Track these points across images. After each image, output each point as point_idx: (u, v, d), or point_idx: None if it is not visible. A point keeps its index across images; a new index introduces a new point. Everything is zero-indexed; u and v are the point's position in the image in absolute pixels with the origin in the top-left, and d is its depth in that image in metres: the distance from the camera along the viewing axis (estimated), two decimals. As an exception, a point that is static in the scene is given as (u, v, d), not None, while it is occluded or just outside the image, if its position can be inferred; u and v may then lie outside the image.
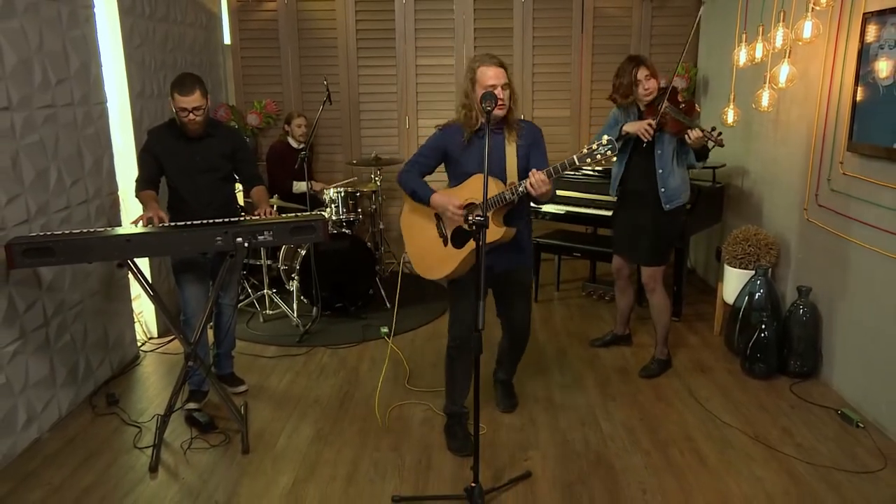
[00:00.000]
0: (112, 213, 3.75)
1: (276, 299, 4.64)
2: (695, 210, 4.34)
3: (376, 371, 3.79)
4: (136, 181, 3.18)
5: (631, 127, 3.37)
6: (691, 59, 5.51)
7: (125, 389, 3.59)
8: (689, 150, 3.38)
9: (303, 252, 4.44)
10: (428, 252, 2.92)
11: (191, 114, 3.00)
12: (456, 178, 2.89)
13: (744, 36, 3.88)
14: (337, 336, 4.31)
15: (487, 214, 2.38)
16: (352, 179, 5.20)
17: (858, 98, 3.16)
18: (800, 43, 3.40)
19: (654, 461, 2.88)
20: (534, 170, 2.65)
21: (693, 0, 5.47)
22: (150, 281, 3.69)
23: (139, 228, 2.86)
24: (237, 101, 5.73)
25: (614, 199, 3.76)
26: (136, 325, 4.09)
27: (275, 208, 3.37)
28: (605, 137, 2.55)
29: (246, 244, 2.79)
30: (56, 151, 3.23)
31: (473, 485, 2.52)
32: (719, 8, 5.03)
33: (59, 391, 3.24)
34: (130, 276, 2.99)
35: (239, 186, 3.57)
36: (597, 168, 4.89)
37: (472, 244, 2.68)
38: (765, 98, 3.65)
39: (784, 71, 3.46)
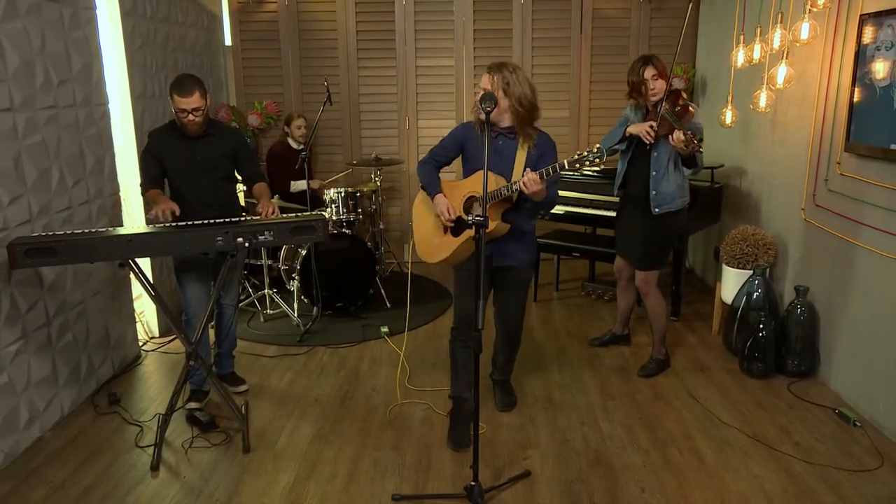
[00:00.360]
0: (114, 214, 3.77)
1: (277, 299, 4.66)
2: (693, 210, 4.35)
3: (376, 371, 3.81)
4: (141, 184, 3.21)
5: (634, 128, 3.39)
6: (690, 59, 5.54)
7: (127, 389, 3.61)
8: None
9: (303, 252, 4.46)
10: (429, 238, 3.11)
11: (190, 115, 3.02)
12: (466, 173, 3.05)
13: (742, 37, 3.90)
14: (337, 336, 4.32)
15: (487, 215, 2.46)
16: (347, 171, 5.24)
17: (855, 99, 3.18)
18: (797, 44, 3.42)
19: (652, 460, 2.90)
20: (528, 169, 2.76)
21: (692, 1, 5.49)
22: (152, 281, 3.71)
23: (140, 228, 2.88)
24: (238, 102, 5.75)
25: (615, 199, 3.77)
26: (138, 325, 4.11)
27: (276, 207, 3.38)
28: (597, 146, 2.62)
29: (247, 244, 2.81)
30: (58, 152, 3.24)
31: (473, 483, 2.55)
32: (717, 9, 5.05)
33: (61, 390, 3.26)
34: (132, 275, 3.01)
35: (241, 187, 3.59)
36: (595, 168, 4.91)
37: (465, 234, 2.89)
38: (763, 99, 3.67)
39: (782, 72, 3.48)
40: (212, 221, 2.92)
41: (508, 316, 3.19)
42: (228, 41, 5.69)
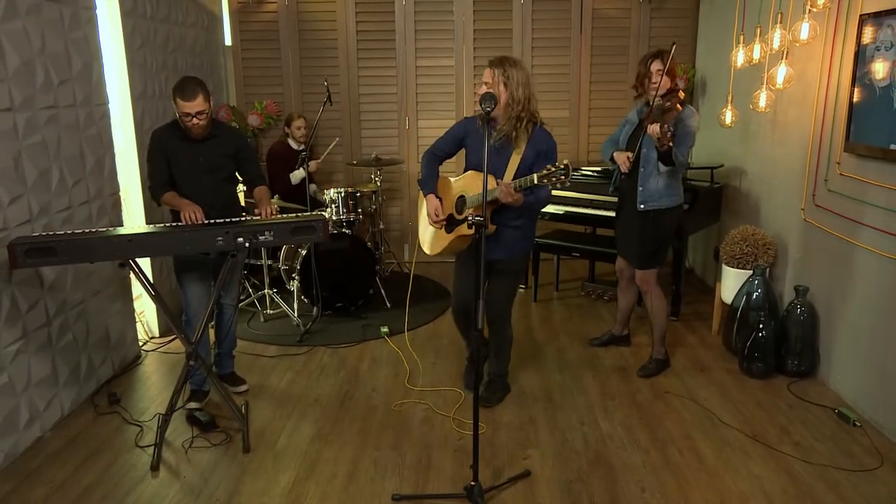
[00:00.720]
0: (114, 214, 3.77)
1: (277, 299, 4.66)
2: (693, 210, 4.36)
3: (376, 371, 3.81)
4: (152, 186, 3.16)
5: (617, 155, 3.51)
6: (690, 60, 5.54)
7: (127, 389, 3.61)
8: (682, 150, 3.35)
9: (303, 252, 4.46)
10: (427, 230, 3.34)
11: (194, 118, 3.02)
12: (467, 166, 3.18)
13: (742, 37, 3.90)
14: (337, 336, 4.33)
15: (487, 215, 2.58)
16: (337, 140, 5.27)
17: (855, 99, 3.18)
18: (797, 44, 3.42)
19: (652, 460, 2.90)
20: (500, 181, 2.92)
21: (692, 1, 5.50)
22: (152, 281, 3.71)
23: (141, 228, 2.88)
24: (238, 102, 5.75)
25: (614, 199, 3.78)
26: (138, 325, 4.11)
27: (276, 208, 3.37)
28: (565, 161, 2.70)
29: (247, 244, 2.81)
30: (58, 152, 3.25)
31: (473, 483, 2.55)
32: (717, 9, 5.06)
33: (61, 390, 3.26)
34: (132, 275, 3.01)
35: (240, 187, 3.59)
36: (595, 168, 4.91)
37: (456, 231, 3.12)
38: (762, 99, 3.67)
39: (781, 72, 3.48)
40: (212, 221, 2.92)
41: (491, 301, 3.25)
42: (228, 41, 5.69)
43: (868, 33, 3.08)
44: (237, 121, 5.50)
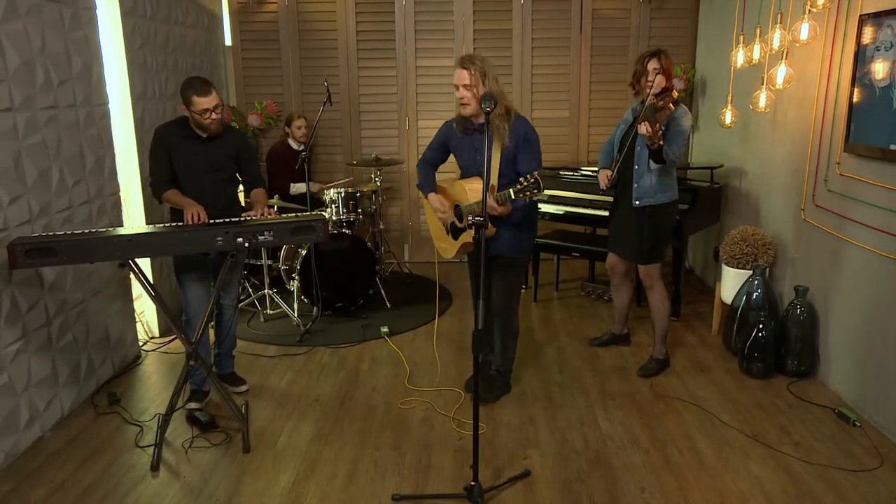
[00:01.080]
0: (114, 214, 3.77)
1: (277, 299, 4.66)
2: (693, 210, 4.36)
3: (377, 371, 3.81)
4: (154, 183, 3.16)
5: (600, 173, 3.59)
6: (689, 60, 5.54)
7: (127, 389, 3.61)
8: (674, 149, 3.36)
9: (303, 252, 4.46)
10: (439, 236, 3.46)
11: (212, 113, 3.04)
12: (459, 169, 3.28)
13: (741, 37, 3.90)
14: (337, 336, 4.33)
15: (486, 215, 2.59)
16: (349, 179, 5.25)
17: (855, 99, 3.19)
18: (797, 44, 3.42)
19: (652, 460, 2.90)
20: (493, 197, 2.91)
21: (692, 2, 5.50)
22: (152, 281, 3.72)
23: (141, 228, 2.88)
24: (238, 102, 5.75)
25: (611, 199, 3.79)
26: (138, 325, 4.11)
27: (275, 208, 3.38)
28: (536, 174, 2.71)
29: (247, 244, 2.81)
30: (58, 152, 3.25)
31: (473, 483, 2.55)
32: (717, 9, 5.06)
33: (62, 390, 3.26)
34: (132, 275, 3.01)
35: (240, 187, 3.59)
36: (595, 168, 4.90)
37: (462, 237, 3.24)
38: (762, 99, 3.67)
39: (781, 72, 3.48)
40: (212, 222, 2.92)
41: (495, 295, 3.30)
42: (228, 41, 5.69)
43: (868, 33, 3.08)
44: (237, 121, 5.50)
